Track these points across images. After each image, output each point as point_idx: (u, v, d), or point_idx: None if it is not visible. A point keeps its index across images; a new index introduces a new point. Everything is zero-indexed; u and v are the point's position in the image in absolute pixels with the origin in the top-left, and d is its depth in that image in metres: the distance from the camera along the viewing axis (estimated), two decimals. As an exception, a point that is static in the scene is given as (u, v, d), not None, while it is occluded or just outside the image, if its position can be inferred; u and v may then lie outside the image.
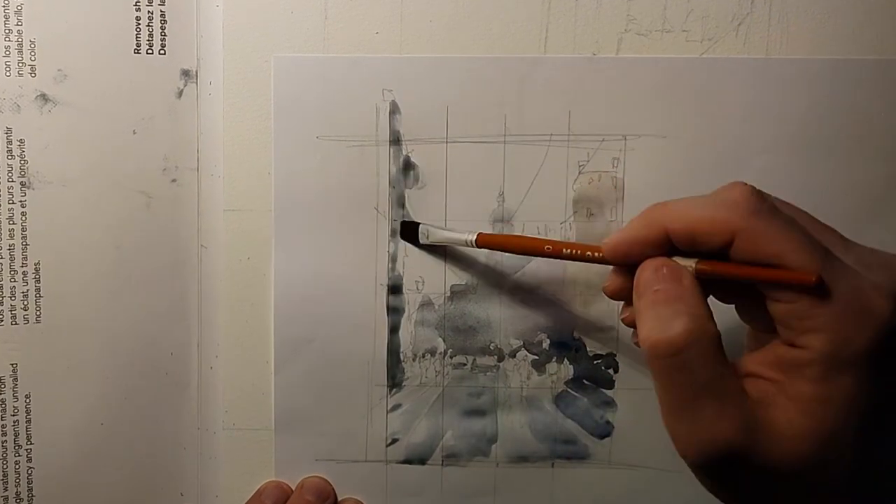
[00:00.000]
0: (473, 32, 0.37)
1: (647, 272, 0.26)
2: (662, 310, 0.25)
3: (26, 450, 0.38)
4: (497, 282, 0.38)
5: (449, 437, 0.39)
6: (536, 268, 0.38)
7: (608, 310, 0.38)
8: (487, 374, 0.39)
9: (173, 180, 0.38)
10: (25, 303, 0.37)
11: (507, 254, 0.38)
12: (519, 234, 0.37)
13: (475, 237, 0.35)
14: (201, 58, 0.38)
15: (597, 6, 0.37)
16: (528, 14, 0.37)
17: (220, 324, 0.39)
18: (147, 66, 0.37)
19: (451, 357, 0.39)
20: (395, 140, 0.38)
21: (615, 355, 0.39)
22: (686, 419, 0.25)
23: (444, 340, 0.39)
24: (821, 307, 0.24)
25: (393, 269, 0.38)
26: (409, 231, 0.38)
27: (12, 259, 0.37)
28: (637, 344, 0.27)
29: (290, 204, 0.38)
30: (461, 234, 0.36)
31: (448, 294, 0.39)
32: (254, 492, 0.38)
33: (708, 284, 0.27)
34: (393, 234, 0.38)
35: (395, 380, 0.39)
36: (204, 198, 0.39)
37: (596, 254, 0.30)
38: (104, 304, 0.38)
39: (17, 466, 0.38)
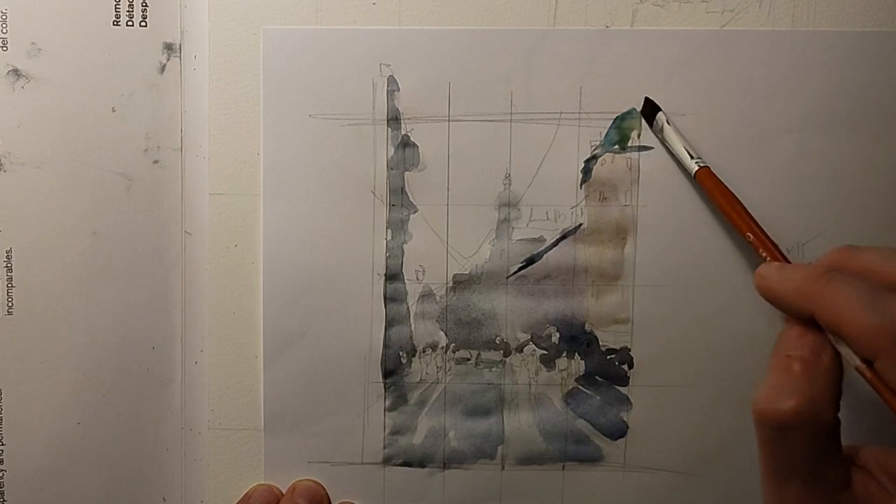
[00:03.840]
0: (477, 3, 0.36)
1: (792, 332, 0.26)
2: (785, 379, 0.25)
3: (-3, 451, 0.37)
4: (503, 270, 0.37)
5: (451, 437, 0.38)
6: (546, 256, 0.37)
7: (622, 301, 0.37)
8: (493, 370, 0.38)
9: (155, 161, 0.37)
10: (-4, 293, 0.37)
11: (517, 240, 0.37)
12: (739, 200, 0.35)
13: (696, 169, 0.35)
14: (185, 30, 0.37)
15: (610, -26, 0.36)
16: (536, -17, 0.36)
17: (206, 316, 0.38)
18: (127, 39, 0.37)
19: (454, 352, 0.38)
20: (394, 119, 0.37)
21: (630, 350, 0.37)
22: (773, 492, 0.26)
23: (446, 334, 0.38)
24: None
25: (391, 257, 0.37)
26: (650, 109, 0.36)
27: (-18, 246, 0.36)
28: None
29: (281, 187, 0.37)
30: (688, 157, 0.35)
31: (450, 284, 0.37)
32: (241, 496, 0.38)
33: None
34: (390, 222, 0.37)
35: (393, 376, 0.38)
36: (188, 180, 0.38)
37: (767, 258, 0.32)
38: (80, 295, 0.37)
39: (-13, 469, 0.37)
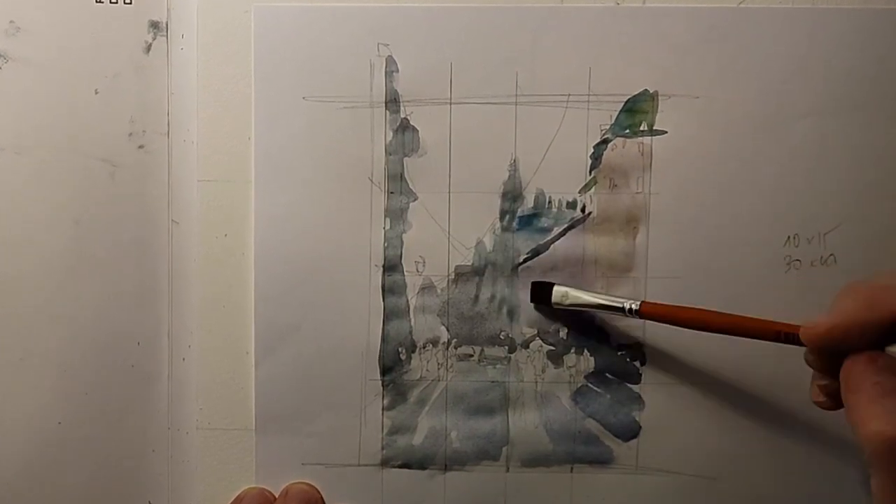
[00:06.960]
0: (481, -21, 0.36)
1: (861, 364, 0.28)
2: (891, 403, 0.26)
3: (-25, 452, 0.37)
4: (508, 262, 0.37)
5: (453, 438, 0.38)
6: (553, 246, 0.37)
7: (634, 294, 0.37)
8: (497, 366, 0.37)
9: (140, 146, 0.37)
10: (-27, 286, 0.36)
11: (520, 233, 0.37)
12: (690, 306, 0.34)
13: (639, 305, 0.33)
14: (172, 8, 0.37)
15: (621, -53, 0.36)
16: (542, -42, 0.36)
17: (194, 309, 0.37)
18: (111, 17, 0.36)
19: (456, 348, 0.37)
20: (392, 101, 0.36)
21: (642, 346, 0.37)
22: None
23: (447, 329, 0.37)
24: None
25: (389, 247, 0.37)
26: (541, 293, 0.36)
27: (-42, 236, 0.36)
28: (819, 404, 0.30)
29: (273, 173, 0.36)
30: (617, 299, 0.34)
31: (452, 276, 0.37)
32: (232, 499, 0.37)
33: None
34: (388, 210, 0.36)
35: (391, 373, 0.37)
36: (175, 166, 0.37)
37: (789, 333, 0.30)
38: (62, 287, 0.37)
39: (-36, 470, 0.37)
